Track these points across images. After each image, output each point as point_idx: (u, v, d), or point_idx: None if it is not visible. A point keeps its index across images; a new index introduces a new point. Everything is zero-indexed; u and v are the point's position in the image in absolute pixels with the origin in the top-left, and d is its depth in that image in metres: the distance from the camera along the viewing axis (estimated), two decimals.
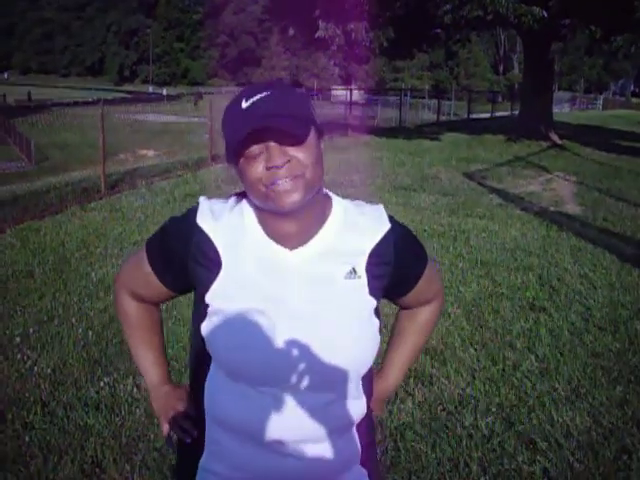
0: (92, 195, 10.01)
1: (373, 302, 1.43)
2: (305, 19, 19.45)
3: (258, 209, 1.39)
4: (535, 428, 3.64)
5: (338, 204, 1.46)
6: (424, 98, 36.76)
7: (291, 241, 1.38)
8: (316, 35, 18.85)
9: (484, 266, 6.62)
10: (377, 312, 1.45)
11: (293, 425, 1.39)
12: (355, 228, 1.43)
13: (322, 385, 1.39)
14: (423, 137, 21.31)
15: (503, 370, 4.37)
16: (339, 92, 39.12)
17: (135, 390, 3.96)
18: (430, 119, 30.76)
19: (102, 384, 4.03)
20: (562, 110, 50.83)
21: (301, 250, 1.39)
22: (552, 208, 10.25)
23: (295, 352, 1.35)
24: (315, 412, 1.40)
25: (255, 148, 1.27)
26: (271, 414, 1.38)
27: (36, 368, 4.22)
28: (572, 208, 10.35)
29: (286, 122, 1.24)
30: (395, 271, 1.45)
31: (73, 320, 5.03)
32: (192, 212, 1.45)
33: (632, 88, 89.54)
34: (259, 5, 68.98)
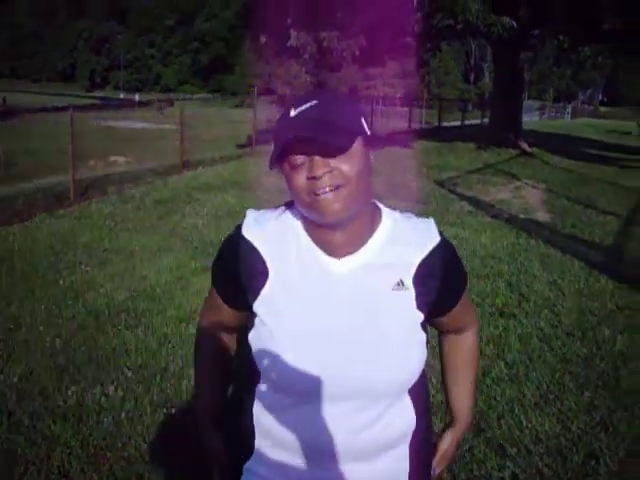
0: (61, 202, 9.90)
1: (420, 315, 1.40)
2: (277, 27, 19.45)
3: (305, 217, 1.38)
4: (504, 434, 3.66)
5: (387, 215, 1.45)
6: (396, 106, 36.89)
7: (339, 250, 1.37)
8: (288, 44, 18.87)
9: None
10: (424, 327, 1.42)
11: (339, 441, 1.36)
12: (404, 240, 1.42)
13: (368, 399, 1.36)
14: (394, 145, 21.38)
15: None
16: None
17: (103, 399, 3.92)
18: (402, 127, 30.89)
19: (70, 393, 3.98)
20: (531, 119, 51.38)
21: (349, 259, 1.38)
22: (522, 215, 10.34)
23: (341, 364, 1.33)
24: (361, 428, 1.37)
25: (298, 158, 1.27)
26: (317, 429, 1.36)
27: (2, 377, 4.16)
28: (541, 215, 10.46)
29: (328, 132, 1.23)
30: (441, 286, 1.42)
31: (41, 328, 4.97)
32: (239, 226, 1.45)
33: (600, 97, 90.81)
34: (231, 11, 68.91)
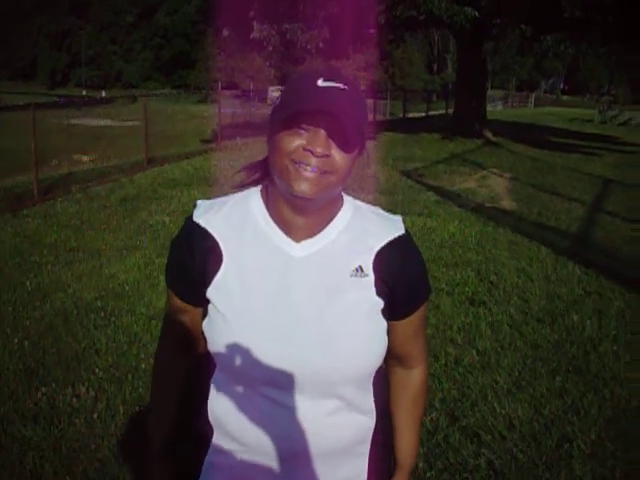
0: (24, 202, 9.72)
1: (380, 302, 1.35)
2: (240, 20, 19.34)
3: (270, 195, 1.35)
4: (478, 421, 3.69)
5: (350, 203, 1.42)
6: None
7: (299, 233, 1.34)
8: (251, 36, 18.77)
9: None
10: (384, 314, 1.37)
11: (294, 433, 1.32)
12: (366, 227, 1.39)
13: (326, 389, 1.32)
14: None
15: (445, 365, 4.41)
16: (275, 94, 39.02)
17: (75, 400, 3.86)
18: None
19: (40, 395, 3.92)
20: (495, 108, 51.75)
21: (308, 242, 1.34)
22: (488, 204, 10.42)
23: (297, 351, 1.28)
24: (319, 421, 1.33)
25: (306, 124, 1.22)
26: (274, 420, 1.32)
27: None
28: (508, 204, 10.55)
29: (348, 126, 1.21)
30: (400, 280, 1.38)
31: (8, 330, 4.88)
32: (189, 217, 1.41)
33: (562, 86, 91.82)
34: (192, 6, 68.38)
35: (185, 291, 1.43)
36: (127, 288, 5.86)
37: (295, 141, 1.23)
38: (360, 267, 1.34)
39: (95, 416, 3.68)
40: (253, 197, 1.41)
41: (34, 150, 10.42)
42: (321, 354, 1.29)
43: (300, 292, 1.31)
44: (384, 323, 1.37)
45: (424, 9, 17.40)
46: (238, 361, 1.30)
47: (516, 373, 4.31)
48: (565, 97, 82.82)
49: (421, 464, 3.27)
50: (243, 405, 1.35)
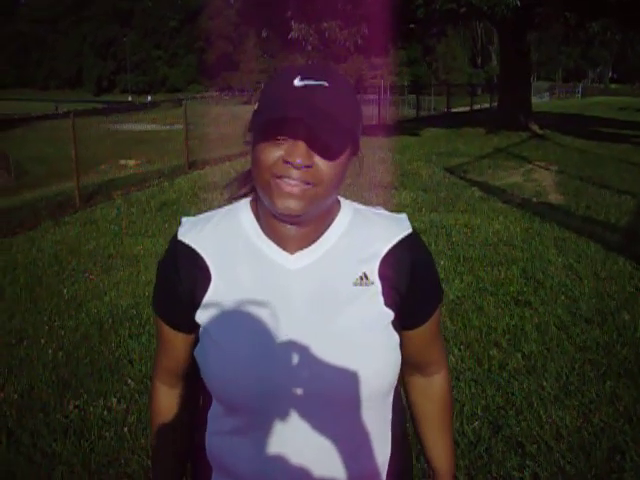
0: (66, 209, 9.79)
1: (389, 314, 1.21)
2: (278, 20, 19.31)
3: (259, 207, 1.22)
4: (523, 431, 3.50)
5: (347, 206, 1.28)
6: (403, 94, 36.57)
7: (292, 244, 1.20)
8: (289, 36, 18.71)
9: (467, 262, 6.48)
10: (395, 326, 1.22)
11: (298, 470, 1.18)
12: (367, 231, 1.25)
13: (334, 412, 1.17)
14: (403, 133, 21.19)
15: (489, 370, 4.23)
16: None
17: (106, 412, 3.79)
18: (410, 115, 30.66)
19: (71, 407, 3.86)
20: (542, 100, 51.01)
21: (303, 254, 1.20)
22: (534, 199, 10.13)
23: (299, 373, 1.14)
24: (327, 454, 1.18)
25: (283, 133, 1.09)
26: (275, 455, 1.17)
27: (2, 394, 4.04)
28: (555, 198, 10.25)
29: (331, 127, 1.06)
30: (411, 285, 1.24)
31: (42, 341, 4.85)
32: (173, 237, 1.27)
33: (610, 74, 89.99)
34: (234, 8, 68.85)
35: (174, 317, 1.29)
36: None
37: (274, 153, 1.10)
38: (364, 275, 1.21)
39: (126, 430, 3.60)
40: (242, 210, 1.27)
41: (75, 157, 10.51)
42: (326, 375, 1.14)
43: (299, 308, 1.17)
44: (396, 337, 1.23)
45: (463, 1, 17.09)
46: (233, 389, 1.16)
47: (564, 378, 4.10)
48: (614, 86, 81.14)
49: (462, 478, 3.11)
50: (241, 439, 1.20)
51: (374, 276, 1.21)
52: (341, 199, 1.29)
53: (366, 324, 1.18)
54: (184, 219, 1.30)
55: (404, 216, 1.31)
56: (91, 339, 4.88)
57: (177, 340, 1.31)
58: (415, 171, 13.10)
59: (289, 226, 1.19)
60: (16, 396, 4.02)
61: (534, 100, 27.92)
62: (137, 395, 3.99)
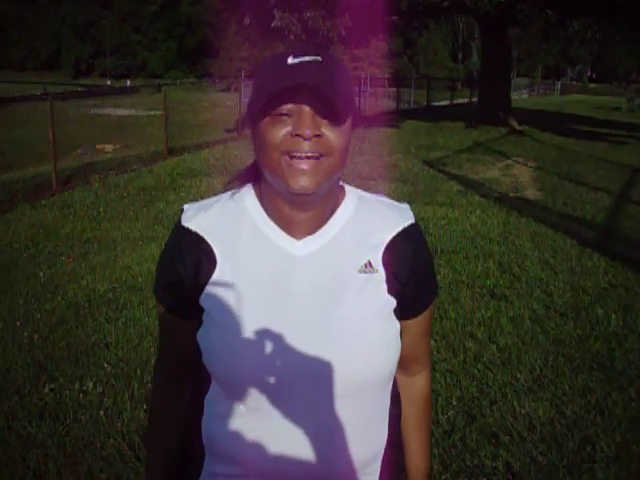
0: (43, 192, 9.69)
1: (392, 301, 1.22)
2: (261, 8, 19.19)
3: (264, 192, 1.22)
4: (497, 421, 3.55)
5: (352, 193, 1.29)
6: (383, 86, 36.57)
7: (299, 230, 1.20)
8: (272, 25, 18.62)
9: (444, 254, 6.51)
10: (396, 314, 1.24)
11: (300, 454, 1.17)
12: (372, 218, 1.26)
13: (336, 398, 1.17)
14: (383, 125, 21.21)
15: (464, 361, 4.27)
16: None
17: (81, 396, 3.77)
18: (390, 107, 30.67)
19: (47, 390, 3.84)
20: (521, 96, 51.25)
21: (310, 239, 1.21)
22: (512, 194, 10.21)
23: (301, 357, 1.15)
24: (327, 439, 1.18)
25: (287, 107, 1.09)
26: (275, 440, 1.17)
27: None
28: (532, 193, 10.34)
29: (333, 90, 1.07)
30: (412, 274, 1.25)
31: (18, 323, 4.81)
32: (177, 222, 1.27)
33: (589, 73, 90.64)
34: None
35: (178, 304, 1.28)
36: (140, 280, 5.78)
37: (281, 130, 1.09)
38: (369, 262, 1.21)
39: (102, 413, 3.59)
40: (247, 195, 1.27)
41: (52, 140, 10.39)
42: (330, 360, 1.15)
43: (304, 293, 1.18)
44: (397, 325, 1.24)
45: None
46: (235, 371, 1.16)
47: (537, 370, 4.15)
48: (592, 85, 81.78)
49: (436, 466, 3.14)
50: (242, 423, 1.21)
51: (378, 264, 1.22)
52: (345, 185, 1.30)
53: (371, 312, 1.19)
54: (186, 206, 1.30)
55: (407, 206, 1.33)
56: (67, 322, 4.85)
57: (180, 328, 1.30)
58: (394, 163, 13.13)
59: (295, 210, 1.19)
60: None
61: (513, 96, 28.11)
62: (113, 379, 3.97)
